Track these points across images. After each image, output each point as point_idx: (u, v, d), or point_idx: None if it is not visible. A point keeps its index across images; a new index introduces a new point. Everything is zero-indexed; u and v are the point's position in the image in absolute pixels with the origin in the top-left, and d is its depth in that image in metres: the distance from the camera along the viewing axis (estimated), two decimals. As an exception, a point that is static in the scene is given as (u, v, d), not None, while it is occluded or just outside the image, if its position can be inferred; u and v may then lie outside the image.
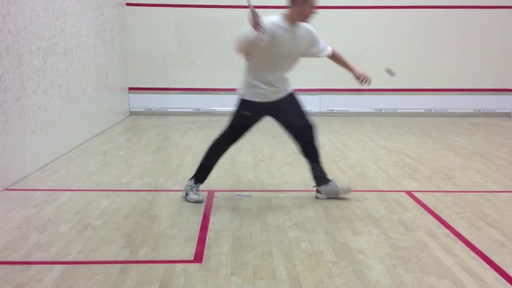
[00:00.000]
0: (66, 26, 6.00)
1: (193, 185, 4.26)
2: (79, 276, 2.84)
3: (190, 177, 4.32)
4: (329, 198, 4.29)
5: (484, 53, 9.66)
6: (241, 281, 2.82)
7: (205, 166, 4.28)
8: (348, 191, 4.32)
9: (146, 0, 9.25)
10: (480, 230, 3.65)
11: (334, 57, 4.26)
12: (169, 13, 9.24)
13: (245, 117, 4.09)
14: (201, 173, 4.29)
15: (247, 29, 3.59)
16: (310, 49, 4.11)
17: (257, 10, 3.52)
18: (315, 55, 4.19)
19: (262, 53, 3.82)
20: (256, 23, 3.54)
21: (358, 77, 4.14)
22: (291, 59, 4.04)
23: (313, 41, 4.10)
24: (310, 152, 4.28)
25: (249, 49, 3.70)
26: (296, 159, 5.88)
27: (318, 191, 4.34)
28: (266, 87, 4.01)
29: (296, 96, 4.21)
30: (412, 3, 9.49)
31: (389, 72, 4.21)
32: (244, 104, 4.07)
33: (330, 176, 4.35)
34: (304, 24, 4.03)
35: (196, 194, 4.22)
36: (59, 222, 3.70)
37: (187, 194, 4.24)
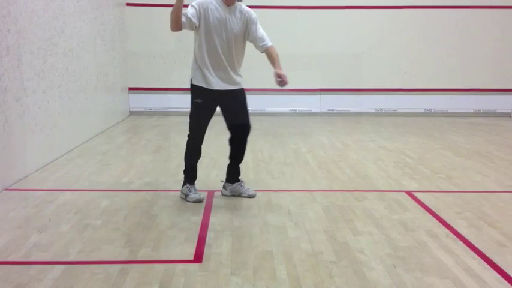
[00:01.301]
0: (66, 26, 6.00)
1: (189, 186, 4.28)
2: (79, 276, 2.85)
3: (182, 185, 4.34)
4: (233, 195, 4.36)
5: (484, 53, 9.65)
6: (241, 281, 2.82)
7: (188, 169, 4.33)
8: (253, 196, 4.38)
9: (146, 0, 9.24)
10: (480, 230, 3.65)
11: (267, 53, 4.11)
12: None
13: (196, 104, 4.13)
14: (188, 176, 4.33)
15: None
16: (246, 33, 4.06)
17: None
18: (252, 42, 4.10)
19: (199, 31, 3.94)
20: None
21: (277, 76, 3.95)
22: (229, 41, 3.99)
23: (249, 25, 4.04)
24: (237, 151, 4.33)
25: (177, 7, 3.81)
26: (296, 159, 5.89)
27: (224, 187, 4.43)
28: (208, 71, 4.03)
29: (241, 93, 4.21)
30: (412, 3, 9.49)
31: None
32: (192, 89, 4.13)
33: (241, 177, 4.44)
34: (245, 7, 4.05)
35: (196, 193, 4.23)
36: (59, 222, 3.70)
37: (187, 195, 4.25)
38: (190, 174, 4.33)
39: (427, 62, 9.67)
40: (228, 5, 3.98)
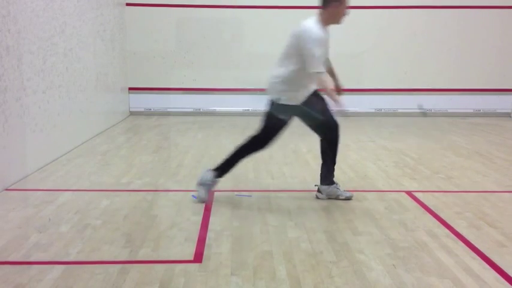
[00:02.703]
0: (66, 26, 6.00)
1: (213, 179, 4.20)
2: (79, 276, 2.85)
3: (213, 168, 4.23)
4: (329, 198, 4.29)
5: (484, 53, 9.66)
6: (241, 281, 2.82)
7: (229, 163, 4.24)
8: (350, 198, 4.31)
9: (146, 0, 9.24)
10: (480, 230, 3.65)
11: (330, 67, 4.35)
12: (169, 13, 9.23)
13: (280, 120, 4.09)
14: (224, 169, 4.24)
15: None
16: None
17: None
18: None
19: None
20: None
21: (338, 89, 4.39)
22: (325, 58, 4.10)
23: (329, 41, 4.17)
24: (327, 150, 4.28)
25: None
26: (296, 159, 5.88)
27: (318, 191, 4.34)
28: (301, 90, 4.08)
29: (320, 94, 4.24)
30: (412, 3, 9.49)
31: (421, 109, 4.32)
32: (280, 108, 4.06)
33: (335, 180, 4.35)
34: None
35: (206, 193, 4.20)
36: (59, 222, 3.70)
37: (200, 185, 4.19)
38: (226, 168, 4.23)
39: (427, 62, 9.67)
40: (326, 26, 4.02)
